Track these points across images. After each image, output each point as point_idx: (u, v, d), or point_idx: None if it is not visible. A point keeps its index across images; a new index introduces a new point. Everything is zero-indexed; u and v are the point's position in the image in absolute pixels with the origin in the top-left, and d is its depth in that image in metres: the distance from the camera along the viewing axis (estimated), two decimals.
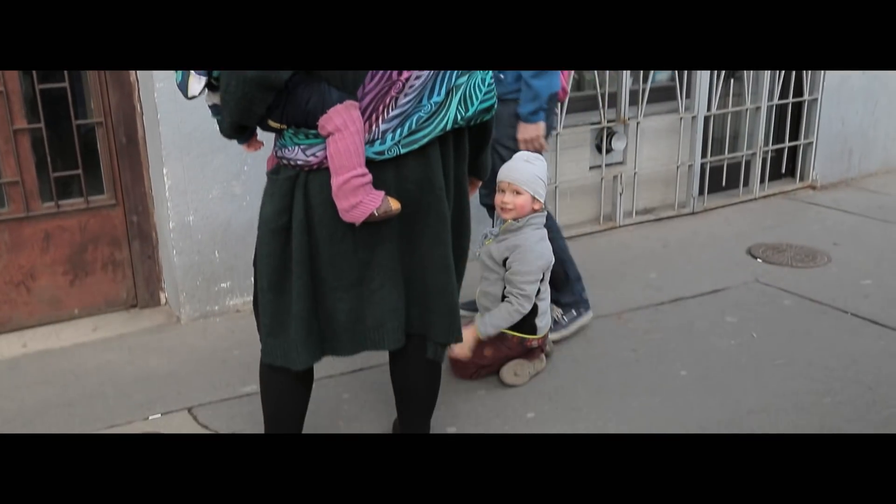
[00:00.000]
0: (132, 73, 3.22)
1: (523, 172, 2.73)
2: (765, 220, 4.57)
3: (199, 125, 3.16)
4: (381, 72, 1.90)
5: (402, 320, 2.10)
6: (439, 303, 2.11)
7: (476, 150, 2.21)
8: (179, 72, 1.92)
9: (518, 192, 2.73)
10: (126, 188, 3.32)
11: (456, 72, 1.96)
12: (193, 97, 1.96)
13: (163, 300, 3.50)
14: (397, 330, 2.10)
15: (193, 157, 3.21)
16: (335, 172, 1.91)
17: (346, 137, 1.89)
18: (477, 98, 2.01)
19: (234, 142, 2.13)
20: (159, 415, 2.64)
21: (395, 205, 1.97)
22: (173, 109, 3.13)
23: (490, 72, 2.06)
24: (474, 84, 2.00)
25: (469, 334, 2.73)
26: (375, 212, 1.94)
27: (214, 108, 2.05)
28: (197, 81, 1.92)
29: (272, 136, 2.07)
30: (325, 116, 1.89)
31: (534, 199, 2.74)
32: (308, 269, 2.00)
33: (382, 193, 1.95)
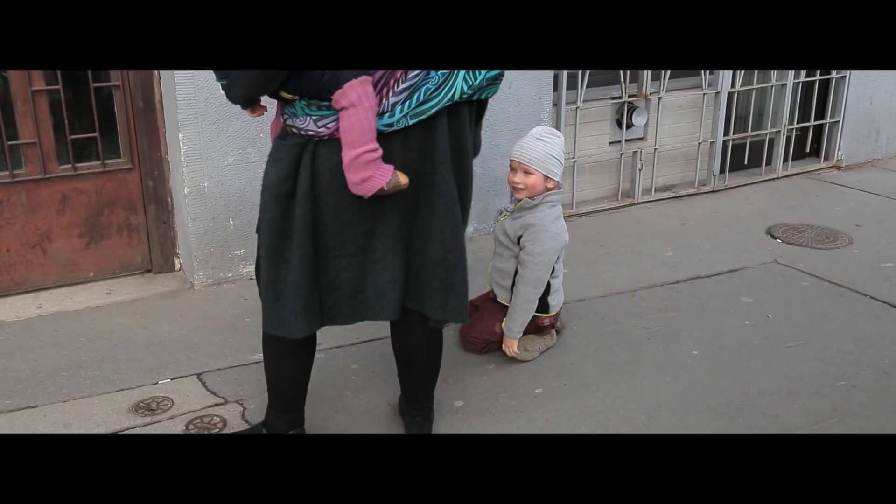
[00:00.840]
0: None
1: (534, 151, 2.68)
2: (786, 200, 4.50)
3: (216, 91, 3.14)
4: None
5: (401, 292, 2.10)
6: (433, 277, 2.10)
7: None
8: None
9: (528, 172, 2.69)
10: (142, 152, 3.32)
11: None
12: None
13: (177, 266, 3.52)
14: (397, 301, 2.10)
15: (209, 123, 3.21)
16: (348, 146, 1.91)
17: (359, 113, 1.89)
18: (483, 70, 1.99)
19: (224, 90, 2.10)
20: (168, 379, 2.67)
21: (403, 179, 1.97)
22: (190, 75, 3.12)
23: None
24: None
25: (506, 344, 2.77)
26: (385, 186, 1.95)
27: (219, 73, 2.03)
28: None
29: (275, 101, 2.06)
30: (340, 91, 1.88)
31: (546, 178, 2.69)
32: (311, 238, 2.00)
33: (392, 168, 1.95)
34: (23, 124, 3.11)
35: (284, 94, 1.96)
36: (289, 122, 1.99)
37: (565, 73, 3.98)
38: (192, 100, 3.16)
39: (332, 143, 1.94)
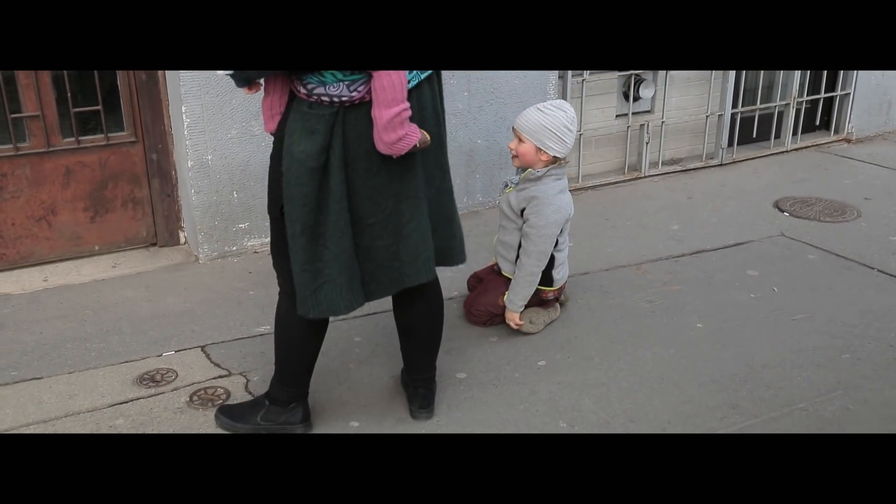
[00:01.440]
0: None
1: (528, 120, 2.65)
2: (795, 173, 4.46)
3: None
4: None
5: (432, 250, 2.12)
6: (457, 230, 2.20)
7: None
8: None
9: (521, 140, 2.67)
10: (146, 126, 3.32)
11: None
12: None
13: (182, 239, 3.52)
14: (430, 260, 2.12)
15: (212, 97, 3.19)
16: (385, 105, 1.87)
17: (394, 73, 1.87)
18: None
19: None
20: (173, 352, 2.68)
21: (427, 136, 1.99)
22: None
23: None
24: None
25: (509, 317, 2.76)
26: (417, 143, 1.95)
27: None
28: None
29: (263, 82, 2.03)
30: None
31: (538, 149, 2.66)
32: (347, 208, 1.98)
33: (416, 127, 1.96)
34: (26, 97, 3.11)
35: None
36: (317, 90, 1.91)
37: None
38: (195, 73, 3.14)
39: (359, 107, 1.93)
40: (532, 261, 2.69)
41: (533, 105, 2.71)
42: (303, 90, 1.94)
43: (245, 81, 2.01)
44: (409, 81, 1.93)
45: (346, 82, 1.90)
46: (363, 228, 2.02)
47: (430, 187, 2.11)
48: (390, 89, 1.87)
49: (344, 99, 1.91)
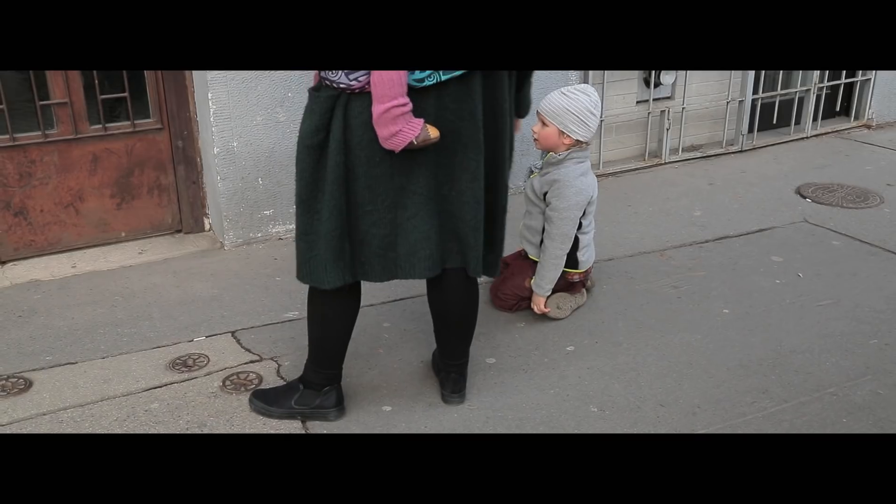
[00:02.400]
0: None
1: (552, 103, 2.66)
2: (816, 159, 4.45)
3: None
4: None
5: (434, 249, 2.11)
6: (474, 237, 2.12)
7: (518, 84, 2.21)
8: None
9: (544, 123, 2.68)
10: (171, 113, 3.33)
11: None
12: None
13: (207, 226, 3.54)
14: (428, 258, 2.11)
15: (238, 83, 3.20)
16: (376, 100, 1.91)
17: (390, 70, 1.88)
18: None
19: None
20: (203, 337, 2.70)
21: (433, 133, 1.97)
22: None
23: None
24: None
25: (535, 301, 2.77)
26: (414, 140, 1.94)
27: None
28: None
29: None
30: None
31: (561, 132, 2.67)
32: (343, 190, 2.01)
33: (422, 121, 1.95)
34: (54, 84, 3.12)
35: None
36: (322, 73, 1.99)
37: None
38: None
39: (365, 96, 1.95)
40: (556, 244, 2.70)
41: (557, 89, 2.72)
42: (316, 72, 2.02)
43: None
44: (422, 80, 1.94)
45: (346, 70, 1.93)
46: (360, 214, 2.05)
47: (445, 187, 2.08)
48: (380, 85, 1.89)
49: (342, 85, 1.95)
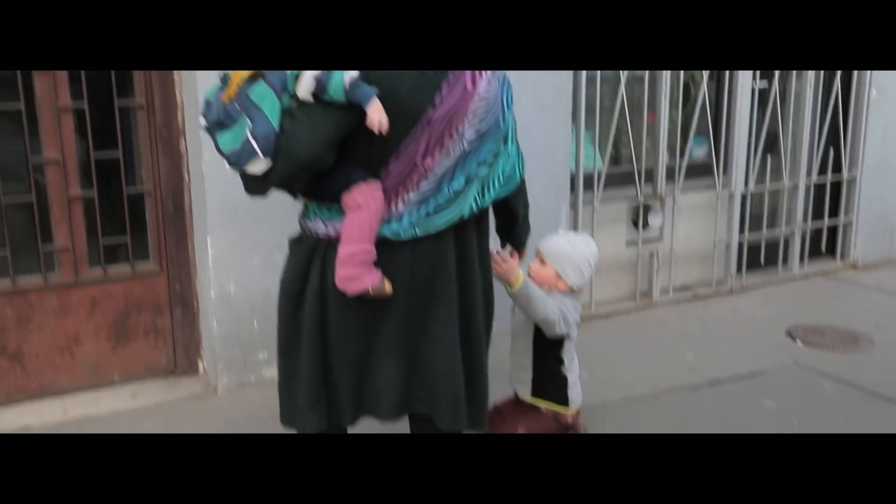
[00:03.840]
0: (182, 143, 3.32)
1: (554, 245, 2.71)
2: (805, 300, 4.52)
3: (244, 195, 3.22)
4: (404, 156, 1.99)
5: (399, 394, 2.15)
6: (444, 388, 2.15)
7: (506, 226, 2.37)
8: (239, 140, 1.95)
9: (543, 262, 2.73)
10: (171, 256, 3.40)
11: (476, 161, 2.04)
12: (253, 174, 2.00)
13: (201, 368, 3.54)
14: (394, 406, 2.15)
15: (237, 227, 3.28)
16: (346, 242, 2.00)
17: (364, 214, 1.99)
18: (495, 188, 2.11)
19: (277, 211, 2.24)
20: None
21: (388, 288, 2.05)
22: (220, 180, 3.19)
23: (512, 164, 2.15)
24: (494, 176, 2.10)
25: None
26: (370, 289, 2.02)
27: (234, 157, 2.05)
28: (261, 163, 1.96)
29: None
30: (349, 192, 1.99)
31: (558, 275, 2.71)
32: (319, 337, 2.08)
33: (381, 274, 2.03)
34: (58, 230, 3.20)
35: (300, 196, 2.10)
36: (302, 222, 2.12)
37: (581, 175, 4.08)
38: (221, 204, 3.24)
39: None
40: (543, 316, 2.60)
41: (560, 233, 2.81)
42: (298, 218, 2.14)
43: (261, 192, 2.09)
44: (398, 234, 2.02)
45: (323, 219, 2.04)
46: (333, 362, 2.11)
47: (417, 336, 2.13)
48: (352, 228, 1.99)
49: (321, 234, 2.04)
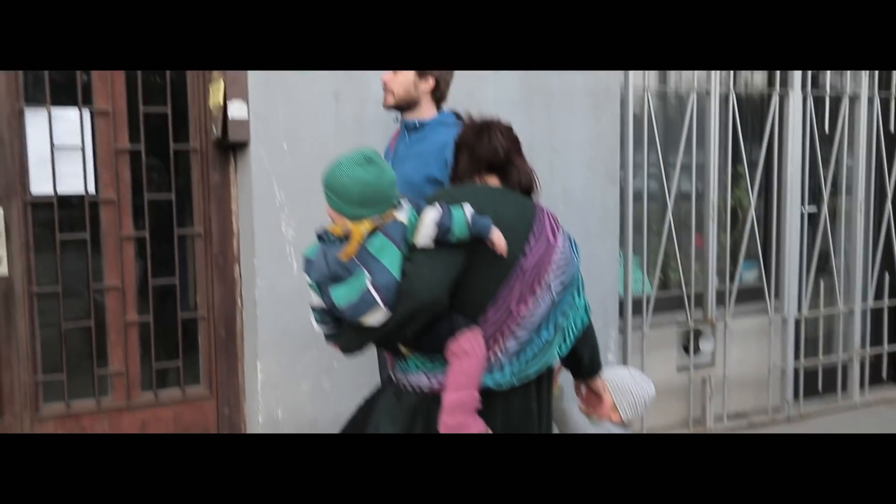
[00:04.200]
0: (236, 270, 3.41)
1: (617, 378, 2.67)
2: (867, 429, 4.32)
3: (294, 321, 3.28)
4: (501, 302, 2.01)
5: None
6: None
7: (575, 367, 2.35)
8: (357, 292, 1.93)
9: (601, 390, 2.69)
10: (221, 380, 3.43)
11: (560, 311, 2.07)
12: (368, 325, 1.97)
13: None
14: None
15: (287, 353, 3.31)
16: (454, 388, 1.95)
17: (473, 361, 1.96)
18: (572, 335, 2.14)
19: (326, 337, 2.16)
20: None
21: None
22: (272, 306, 3.27)
23: (582, 314, 2.17)
24: (571, 325, 2.12)
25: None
26: None
27: (320, 315, 2.09)
28: (381, 313, 1.93)
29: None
30: (454, 340, 1.96)
31: (614, 406, 2.67)
32: None
33: (483, 422, 1.99)
34: (113, 354, 3.27)
35: (401, 348, 2.05)
36: (398, 376, 2.07)
37: (630, 299, 4.06)
38: (272, 330, 3.29)
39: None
40: None
41: (630, 369, 2.77)
42: (393, 374, 2.08)
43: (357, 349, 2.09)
44: (500, 384, 2.02)
45: (426, 373, 2.01)
46: None
47: None
48: (461, 374, 1.96)
49: (425, 388, 2.01)
